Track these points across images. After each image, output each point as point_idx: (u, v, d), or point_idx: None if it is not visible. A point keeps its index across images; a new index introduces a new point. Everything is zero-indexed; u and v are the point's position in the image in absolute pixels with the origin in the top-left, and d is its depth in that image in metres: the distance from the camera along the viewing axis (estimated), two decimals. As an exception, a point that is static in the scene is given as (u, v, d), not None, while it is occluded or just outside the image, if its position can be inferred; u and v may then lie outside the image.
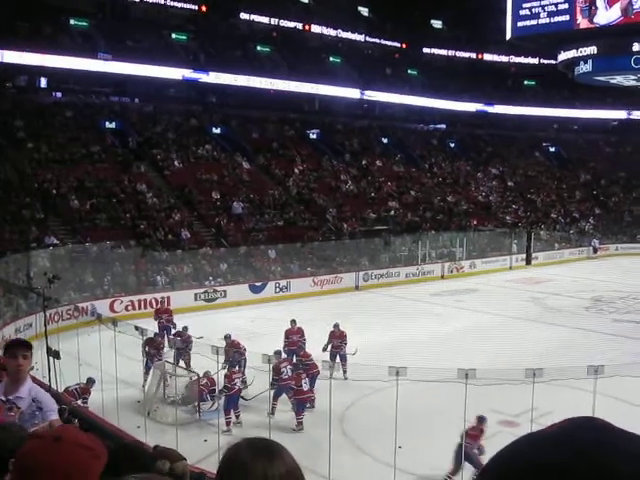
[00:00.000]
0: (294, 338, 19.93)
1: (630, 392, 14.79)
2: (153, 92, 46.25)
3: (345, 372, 17.96)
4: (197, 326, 24.59)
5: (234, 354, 18.05)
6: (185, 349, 19.16)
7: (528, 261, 43.89)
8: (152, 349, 18.80)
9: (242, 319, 26.93)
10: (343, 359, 19.18)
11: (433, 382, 14.86)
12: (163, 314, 23.25)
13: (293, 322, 20.55)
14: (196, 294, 29.81)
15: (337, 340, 19.92)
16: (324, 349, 19.60)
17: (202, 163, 41.72)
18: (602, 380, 12.79)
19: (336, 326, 20.38)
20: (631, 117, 61.64)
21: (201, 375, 16.79)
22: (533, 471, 0.79)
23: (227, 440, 13.66)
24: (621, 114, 61.80)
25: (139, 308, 27.76)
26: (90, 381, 16.25)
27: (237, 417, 15.87)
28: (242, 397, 16.14)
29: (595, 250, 46.41)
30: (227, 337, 19.16)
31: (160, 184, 38.32)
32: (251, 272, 33.22)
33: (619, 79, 41.21)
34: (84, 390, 15.95)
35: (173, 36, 47.96)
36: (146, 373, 18.23)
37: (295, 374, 16.29)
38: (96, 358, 17.70)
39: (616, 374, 13.03)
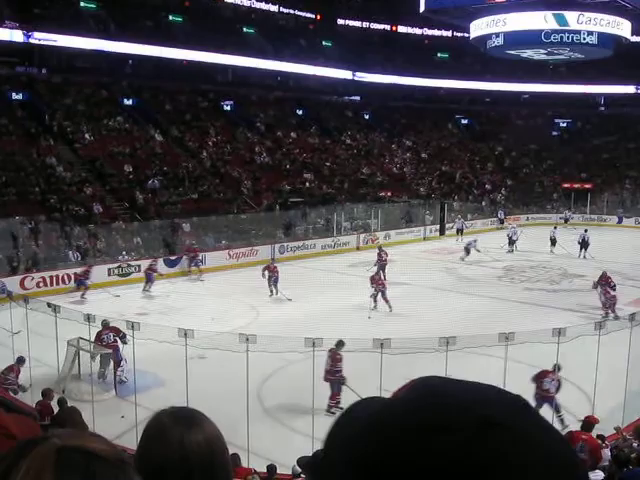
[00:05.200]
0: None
1: (539, 357, 15.20)
2: (61, 62, 44.94)
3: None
4: (111, 301, 24.33)
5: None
6: None
7: (442, 232, 44.59)
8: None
9: (157, 293, 26.74)
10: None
11: (349, 352, 15.05)
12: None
13: (340, 344, 15.27)
14: (110, 269, 29.32)
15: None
16: None
17: (114, 135, 40.97)
18: (513, 347, 13.15)
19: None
20: (543, 90, 62.78)
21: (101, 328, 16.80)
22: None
23: (145, 415, 13.54)
24: (532, 87, 62.91)
25: (51, 284, 27.19)
26: (20, 361, 15.85)
27: None
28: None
29: (501, 221, 47.38)
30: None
31: (70, 157, 37.46)
32: (165, 246, 32.87)
33: (530, 53, 42.13)
34: (10, 371, 15.61)
35: (82, 4, 46.61)
36: None
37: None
38: (7, 337, 17.32)
39: (526, 341, 13.41)
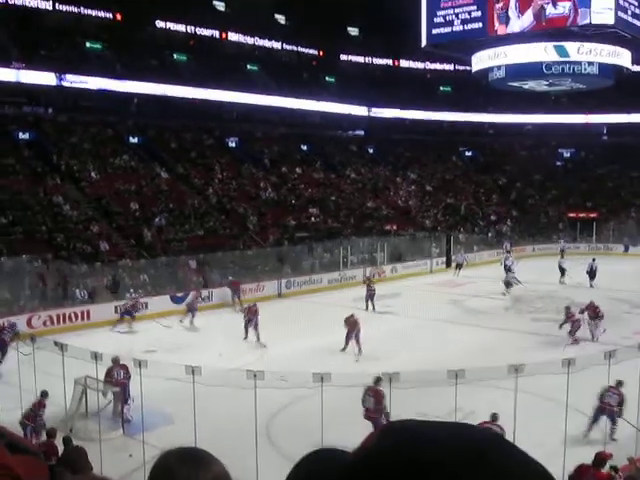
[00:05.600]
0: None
1: (550, 389, 15.09)
2: (67, 102, 45.27)
3: None
4: (119, 339, 24.25)
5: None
6: None
7: (448, 264, 44.43)
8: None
9: (164, 331, 26.63)
10: None
11: (358, 387, 14.95)
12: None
13: (379, 380, 14.78)
14: (116, 307, 29.21)
15: None
16: None
17: (120, 173, 41.14)
18: (523, 378, 13.05)
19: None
20: (545, 121, 63.21)
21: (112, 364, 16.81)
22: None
23: (153, 454, 13.44)
24: (535, 118, 63.30)
25: (58, 323, 27.13)
26: (45, 394, 15.74)
27: None
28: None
29: (508, 252, 47.11)
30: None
31: (77, 196, 37.58)
32: (172, 283, 32.82)
33: (532, 84, 42.24)
34: (40, 406, 15.49)
35: (87, 45, 47.17)
36: None
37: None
38: (14, 375, 17.26)
39: (536, 372, 13.32)
